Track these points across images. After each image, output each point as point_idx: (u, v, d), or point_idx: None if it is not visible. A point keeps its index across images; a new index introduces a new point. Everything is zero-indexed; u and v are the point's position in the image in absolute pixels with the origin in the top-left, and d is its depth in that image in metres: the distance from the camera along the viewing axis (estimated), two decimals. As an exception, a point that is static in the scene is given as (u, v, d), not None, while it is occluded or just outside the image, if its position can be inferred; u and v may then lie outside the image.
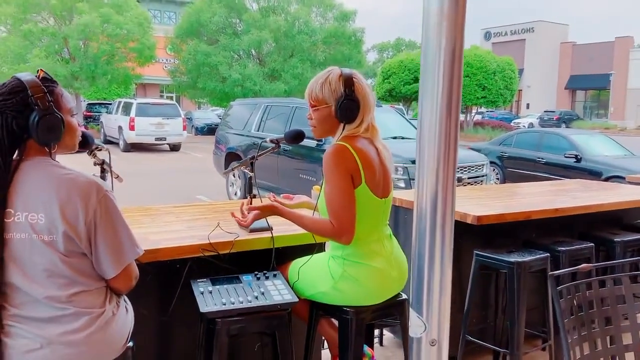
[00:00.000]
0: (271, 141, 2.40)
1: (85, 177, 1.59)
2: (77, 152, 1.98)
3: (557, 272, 1.92)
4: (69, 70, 23.33)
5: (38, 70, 1.65)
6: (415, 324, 1.04)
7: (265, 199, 2.47)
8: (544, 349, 3.37)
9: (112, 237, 1.59)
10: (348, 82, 2.08)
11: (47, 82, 1.63)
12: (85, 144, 1.91)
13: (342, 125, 2.09)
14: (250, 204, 2.35)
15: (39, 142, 1.56)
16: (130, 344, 1.76)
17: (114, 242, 1.60)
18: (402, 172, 6.42)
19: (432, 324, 1.03)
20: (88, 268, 1.60)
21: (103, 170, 2.11)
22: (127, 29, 23.29)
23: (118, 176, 2.23)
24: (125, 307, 1.76)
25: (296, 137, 2.34)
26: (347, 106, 2.05)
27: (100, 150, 2.09)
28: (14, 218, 1.51)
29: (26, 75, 1.59)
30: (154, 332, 2.40)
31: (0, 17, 22.96)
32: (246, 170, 2.43)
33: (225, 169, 8.37)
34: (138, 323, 2.00)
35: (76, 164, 1.65)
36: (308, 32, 24.62)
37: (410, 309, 1.06)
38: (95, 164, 2.11)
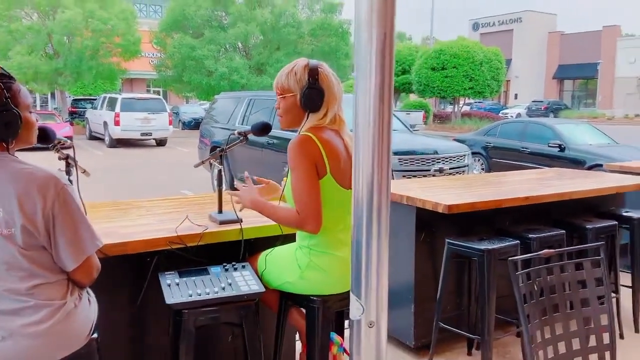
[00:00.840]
0: (239, 134, 2.42)
1: (44, 171, 1.60)
2: (43, 148, 1.99)
3: (516, 257, 1.96)
4: (53, 66, 23.11)
5: (-5, 67, 1.66)
6: (353, 307, 1.07)
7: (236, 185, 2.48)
8: (518, 335, 3.43)
9: (70, 229, 1.60)
10: (313, 72, 2.10)
11: (5, 78, 1.63)
12: (46, 139, 1.92)
13: (306, 114, 2.12)
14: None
15: (-5, 137, 1.57)
16: (95, 335, 1.78)
17: (73, 234, 1.61)
18: None
19: (370, 307, 1.06)
20: (48, 261, 1.61)
21: (68, 165, 2.12)
22: (111, 24, 23.10)
23: (85, 171, 2.23)
24: (89, 299, 1.77)
25: (263, 129, 2.36)
26: (310, 95, 2.08)
27: (64, 145, 2.10)
28: (-29, 213, 1.53)
29: None
30: (125, 324, 2.42)
31: (-17, 13, 22.70)
32: (215, 163, 2.45)
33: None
34: (108, 315, 2.02)
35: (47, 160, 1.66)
36: (294, 25, 24.56)
37: (350, 292, 1.09)
38: (59, 158, 2.12)
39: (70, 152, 2.11)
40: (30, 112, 1.70)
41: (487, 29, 47.36)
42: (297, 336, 2.87)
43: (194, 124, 25.32)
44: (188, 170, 12.02)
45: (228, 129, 8.77)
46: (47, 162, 1.64)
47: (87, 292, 1.78)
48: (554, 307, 2.09)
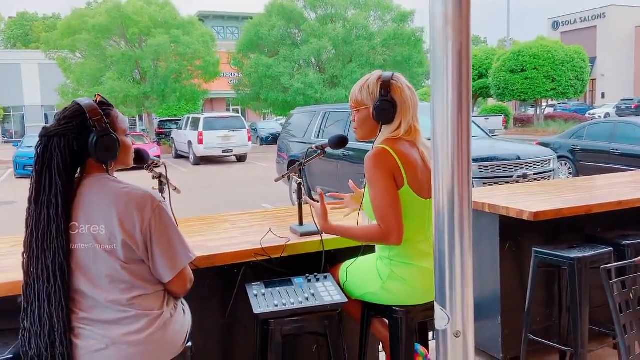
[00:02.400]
0: (316, 147, 2.47)
1: (141, 190, 1.72)
2: (136, 168, 2.14)
3: (609, 265, 1.87)
4: (140, 90, 24.57)
5: (95, 95, 1.81)
6: (439, 317, 1.08)
7: (315, 197, 2.53)
8: (615, 347, 3.24)
9: (166, 243, 1.71)
10: (385, 84, 2.12)
11: (104, 105, 1.78)
12: (142, 160, 2.06)
13: (380, 126, 2.14)
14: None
15: (97, 160, 1.71)
16: (189, 343, 1.88)
17: (168, 248, 1.72)
18: None
19: (455, 316, 1.06)
20: (146, 273, 1.73)
21: (161, 183, 2.26)
22: (193, 48, 24.25)
23: (176, 188, 2.37)
24: (183, 309, 1.88)
25: (339, 142, 2.40)
26: (382, 107, 2.10)
27: (157, 165, 2.24)
28: (78, 230, 1.67)
29: (85, 100, 1.75)
30: (215, 333, 2.53)
31: (78, 44, 24.50)
32: (295, 177, 2.52)
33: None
34: (199, 325, 2.13)
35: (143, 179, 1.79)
36: (366, 37, 24.65)
37: (435, 302, 1.09)
38: (153, 177, 2.26)
39: (162, 171, 2.25)
40: (127, 136, 1.84)
41: (567, 27, 45.12)
42: (380, 347, 2.88)
43: (272, 139, 25.98)
44: (267, 185, 12.40)
45: (304, 143, 8.95)
46: (144, 179, 1.76)
47: (181, 302, 1.89)
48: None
